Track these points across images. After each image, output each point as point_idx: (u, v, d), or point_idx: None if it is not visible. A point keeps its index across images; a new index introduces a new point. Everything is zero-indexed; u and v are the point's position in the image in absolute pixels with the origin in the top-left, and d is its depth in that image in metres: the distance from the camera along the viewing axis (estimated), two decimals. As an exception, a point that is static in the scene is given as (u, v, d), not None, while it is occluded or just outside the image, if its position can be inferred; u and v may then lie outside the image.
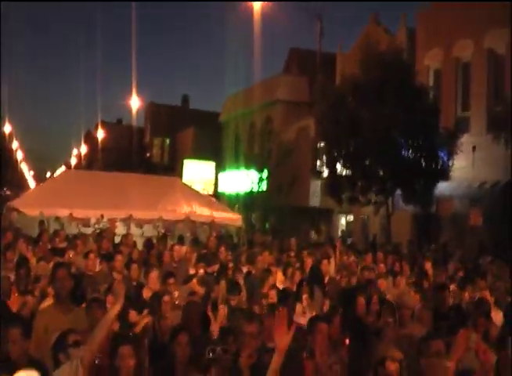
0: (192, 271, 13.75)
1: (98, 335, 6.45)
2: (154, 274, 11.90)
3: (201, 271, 12.75)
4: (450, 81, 32.89)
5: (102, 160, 71.16)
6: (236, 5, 50.89)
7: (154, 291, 10.78)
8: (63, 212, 20.97)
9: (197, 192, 28.11)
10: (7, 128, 74.18)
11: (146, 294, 10.99)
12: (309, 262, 15.79)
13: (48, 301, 9.32)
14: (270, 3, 40.48)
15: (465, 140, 28.91)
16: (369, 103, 27.50)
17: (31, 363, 6.57)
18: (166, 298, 9.69)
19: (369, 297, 10.91)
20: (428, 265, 16.77)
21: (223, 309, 10.36)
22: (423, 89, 29.31)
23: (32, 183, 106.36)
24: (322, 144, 33.27)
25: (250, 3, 40.07)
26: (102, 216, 21.22)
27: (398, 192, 29.25)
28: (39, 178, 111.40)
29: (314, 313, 10.47)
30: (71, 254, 14.43)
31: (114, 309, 6.69)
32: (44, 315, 8.41)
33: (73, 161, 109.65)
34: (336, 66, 42.84)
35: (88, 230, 20.37)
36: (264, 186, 47.11)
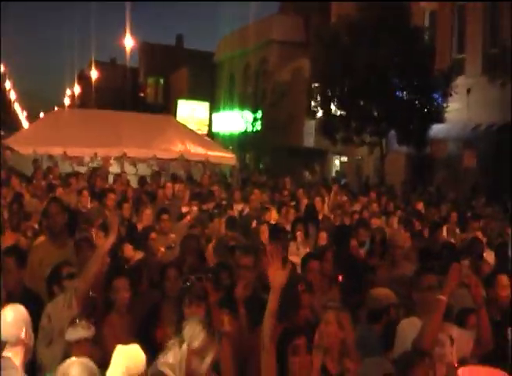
0: (185, 209, 13.70)
1: (92, 267, 6.46)
2: (148, 211, 11.92)
3: (194, 208, 12.70)
4: (446, 23, 32.50)
5: (95, 100, 70.56)
6: None
7: (144, 227, 10.71)
8: (57, 150, 20.79)
9: (192, 130, 27.87)
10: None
11: (141, 230, 10.95)
12: (304, 201, 15.85)
13: (41, 239, 9.30)
14: None
15: (460, 82, 28.74)
16: (365, 43, 27.29)
17: (26, 294, 6.62)
18: (153, 234, 9.58)
19: (373, 237, 10.90)
20: (420, 206, 16.82)
21: (211, 246, 10.34)
22: (419, 31, 29.08)
23: (26, 124, 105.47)
24: (316, 84, 33.05)
25: None
26: (95, 155, 21.10)
27: (393, 133, 29.21)
28: (32, 118, 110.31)
29: (307, 250, 10.49)
30: (60, 191, 14.32)
31: (108, 241, 6.69)
32: (38, 249, 8.42)
33: (67, 102, 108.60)
34: (331, 7, 42.32)
35: (82, 169, 20.16)
36: (258, 126, 46.99)
